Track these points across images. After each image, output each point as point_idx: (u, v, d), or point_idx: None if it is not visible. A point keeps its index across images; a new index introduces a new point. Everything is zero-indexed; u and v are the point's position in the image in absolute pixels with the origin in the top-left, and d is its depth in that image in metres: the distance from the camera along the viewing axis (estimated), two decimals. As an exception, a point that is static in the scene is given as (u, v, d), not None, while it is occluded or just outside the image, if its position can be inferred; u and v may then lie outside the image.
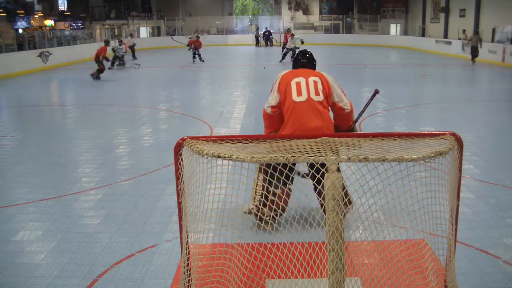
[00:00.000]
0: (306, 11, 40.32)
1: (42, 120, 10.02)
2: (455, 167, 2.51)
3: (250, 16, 42.37)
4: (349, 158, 2.19)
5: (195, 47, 21.55)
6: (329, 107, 4.03)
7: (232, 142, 2.58)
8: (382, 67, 20.16)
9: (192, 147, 2.40)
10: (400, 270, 2.74)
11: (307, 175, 4.56)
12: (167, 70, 19.82)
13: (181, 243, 2.62)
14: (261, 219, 3.75)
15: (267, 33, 33.98)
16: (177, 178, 2.53)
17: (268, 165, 2.86)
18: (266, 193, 3.29)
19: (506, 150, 7.07)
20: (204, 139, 2.61)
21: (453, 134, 2.53)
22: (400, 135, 2.58)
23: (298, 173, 4.68)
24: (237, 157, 2.23)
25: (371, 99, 4.43)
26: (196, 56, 21.54)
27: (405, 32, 35.83)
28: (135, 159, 6.71)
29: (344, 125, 4.16)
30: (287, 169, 2.65)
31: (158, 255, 3.89)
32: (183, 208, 2.58)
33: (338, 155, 2.27)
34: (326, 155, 2.24)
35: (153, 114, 10.39)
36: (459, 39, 25.24)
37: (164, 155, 6.66)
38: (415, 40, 31.50)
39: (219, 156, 2.26)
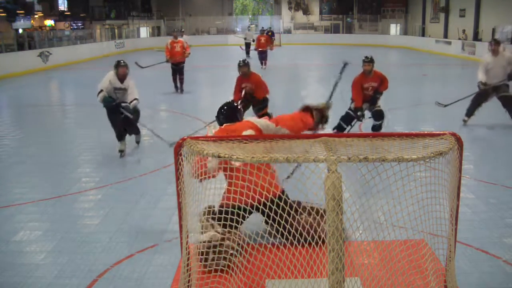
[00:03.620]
0: (306, 11, 40.29)
1: (42, 120, 10.01)
2: (455, 167, 2.51)
3: (250, 16, 42.34)
4: (349, 158, 2.19)
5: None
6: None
7: (232, 142, 2.58)
8: (382, 67, 20.11)
9: (192, 147, 2.40)
10: (400, 270, 2.74)
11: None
12: (167, 70, 19.80)
13: (181, 243, 2.62)
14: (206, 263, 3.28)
15: (270, 33, 33.76)
16: (177, 178, 2.53)
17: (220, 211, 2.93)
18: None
19: (506, 150, 7.07)
20: (204, 139, 2.61)
21: (453, 134, 2.53)
22: (400, 135, 2.58)
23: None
24: (237, 157, 2.23)
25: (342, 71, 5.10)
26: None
27: (405, 32, 35.81)
28: (135, 159, 6.70)
29: (301, 129, 3.88)
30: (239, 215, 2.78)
31: (158, 255, 3.89)
32: (183, 208, 2.58)
33: (338, 155, 2.26)
34: (326, 155, 2.23)
35: (153, 114, 10.39)
36: (459, 39, 25.26)
37: (164, 155, 6.65)
38: (415, 40, 31.49)
39: (219, 156, 2.25)
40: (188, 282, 2.62)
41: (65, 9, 35.75)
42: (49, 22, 34.02)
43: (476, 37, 24.69)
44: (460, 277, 3.30)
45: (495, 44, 8.03)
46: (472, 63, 20.91)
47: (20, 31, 26.87)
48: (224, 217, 3.01)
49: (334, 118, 5.93)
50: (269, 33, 31.96)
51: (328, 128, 6.74)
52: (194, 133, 6.27)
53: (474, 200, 4.95)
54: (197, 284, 2.82)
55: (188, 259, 2.60)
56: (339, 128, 7.26)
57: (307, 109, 4.02)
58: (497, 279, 3.47)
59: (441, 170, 2.48)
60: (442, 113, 10.27)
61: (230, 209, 3.00)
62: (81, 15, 35.82)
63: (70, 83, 16.81)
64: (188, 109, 10.44)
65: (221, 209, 3.19)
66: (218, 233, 3.14)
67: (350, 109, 7.15)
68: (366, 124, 8.64)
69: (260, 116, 5.86)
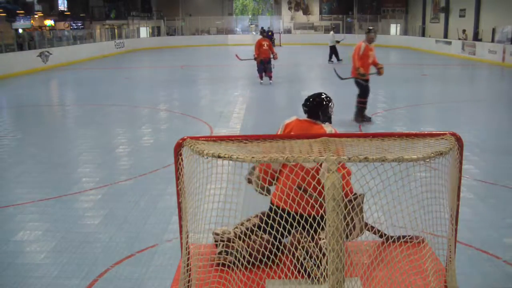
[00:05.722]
0: (306, 11, 40.33)
1: (42, 120, 10.02)
2: (455, 167, 2.51)
3: (250, 16, 42.35)
4: (349, 158, 2.19)
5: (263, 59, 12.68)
6: None
7: (232, 142, 2.58)
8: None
9: (192, 147, 2.40)
10: (400, 270, 2.73)
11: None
12: (167, 70, 19.81)
13: (181, 243, 2.62)
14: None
15: (270, 33, 33.61)
16: (177, 178, 2.53)
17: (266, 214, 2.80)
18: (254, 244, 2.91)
19: (506, 150, 7.07)
20: (204, 139, 2.60)
21: (453, 134, 2.53)
22: (400, 135, 2.57)
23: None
24: (237, 157, 2.23)
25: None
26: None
27: (405, 32, 35.81)
28: (135, 159, 6.70)
29: None
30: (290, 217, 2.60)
31: (158, 255, 3.89)
32: (183, 208, 2.57)
33: (338, 155, 2.26)
34: (326, 155, 2.23)
35: (153, 114, 10.39)
36: (459, 39, 25.26)
37: (164, 155, 6.65)
38: (415, 40, 31.50)
39: (219, 156, 2.25)
40: (188, 282, 2.62)
41: (65, 9, 35.76)
42: (49, 22, 34.03)
43: (476, 37, 24.71)
44: (460, 277, 3.30)
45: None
46: (472, 63, 20.92)
47: (20, 31, 26.89)
48: (273, 217, 2.72)
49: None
50: (270, 33, 29.98)
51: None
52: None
53: (474, 200, 4.95)
54: (197, 284, 2.82)
55: (188, 259, 2.60)
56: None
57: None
58: (497, 279, 3.47)
59: (441, 170, 2.48)
60: (442, 113, 10.27)
61: (273, 212, 2.80)
62: (81, 15, 35.83)
63: (70, 83, 16.82)
64: (188, 109, 10.44)
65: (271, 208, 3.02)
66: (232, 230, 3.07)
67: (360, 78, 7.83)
68: (366, 123, 8.63)
69: None
